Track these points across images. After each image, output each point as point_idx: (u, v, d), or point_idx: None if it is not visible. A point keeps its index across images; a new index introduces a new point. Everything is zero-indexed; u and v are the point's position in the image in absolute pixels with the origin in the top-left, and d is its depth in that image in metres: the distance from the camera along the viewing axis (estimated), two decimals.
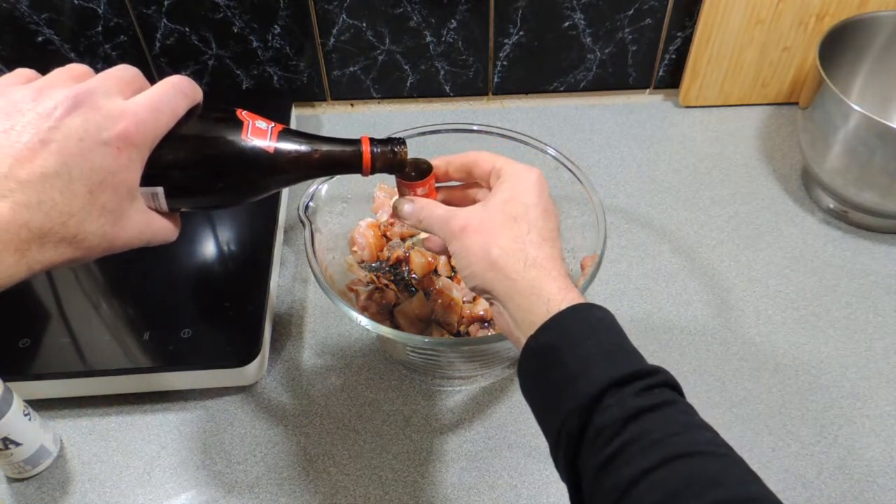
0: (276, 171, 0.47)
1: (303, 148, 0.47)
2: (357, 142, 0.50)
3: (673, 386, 0.42)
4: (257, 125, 0.46)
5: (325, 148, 0.48)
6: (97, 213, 0.38)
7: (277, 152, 0.46)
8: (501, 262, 0.47)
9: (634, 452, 0.38)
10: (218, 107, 0.46)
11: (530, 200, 0.50)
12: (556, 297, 0.45)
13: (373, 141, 0.50)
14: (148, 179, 0.42)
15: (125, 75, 0.42)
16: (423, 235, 0.74)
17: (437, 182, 0.56)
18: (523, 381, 0.46)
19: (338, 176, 0.71)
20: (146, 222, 0.42)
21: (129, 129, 0.39)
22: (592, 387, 0.41)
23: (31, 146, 0.36)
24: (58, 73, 0.43)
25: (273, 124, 0.47)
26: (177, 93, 0.42)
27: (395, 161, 0.50)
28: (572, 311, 0.44)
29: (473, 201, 0.55)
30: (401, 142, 0.51)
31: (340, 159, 0.49)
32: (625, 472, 0.38)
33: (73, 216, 0.37)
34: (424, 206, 0.53)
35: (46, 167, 0.36)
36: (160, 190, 0.43)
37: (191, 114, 0.43)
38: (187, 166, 0.43)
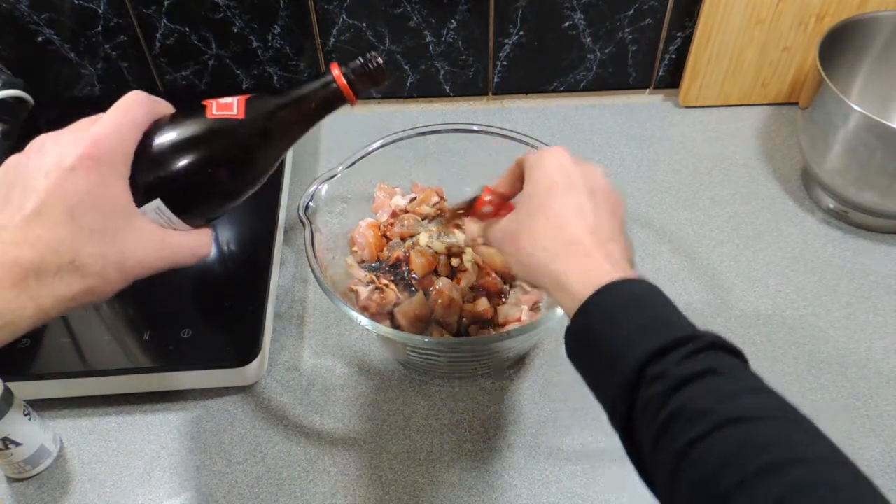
0: (257, 137, 0.45)
1: (274, 103, 0.45)
2: (328, 73, 0.46)
3: (722, 346, 0.42)
4: (221, 101, 0.45)
5: (297, 94, 0.46)
6: (87, 236, 0.39)
7: (249, 117, 0.44)
8: (532, 263, 0.48)
9: (681, 424, 0.38)
10: (184, 107, 0.45)
11: (548, 183, 0.49)
12: (580, 285, 0.44)
13: (343, 64, 0.46)
14: (142, 197, 0.42)
15: (93, 117, 0.43)
16: (422, 239, 0.74)
17: (509, 198, 0.57)
18: (576, 367, 0.46)
19: (338, 176, 0.71)
20: (159, 240, 0.43)
21: (90, 148, 0.39)
22: (629, 367, 0.40)
23: (5, 196, 0.39)
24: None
25: (239, 96, 0.45)
26: (130, 105, 0.43)
27: (374, 74, 0.47)
28: (601, 293, 0.43)
29: None
30: (370, 51, 0.47)
31: (319, 98, 0.46)
32: (673, 445, 0.37)
33: (61, 243, 0.38)
34: (477, 223, 0.57)
35: (25, 210, 0.38)
36: (159, 203, 0.43)
37: (161, 123, 0.44)
38: (168, 168, 0.43)
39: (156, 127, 0.43)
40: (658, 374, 0.39)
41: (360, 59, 0.47)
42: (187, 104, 0.45)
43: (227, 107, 0.44)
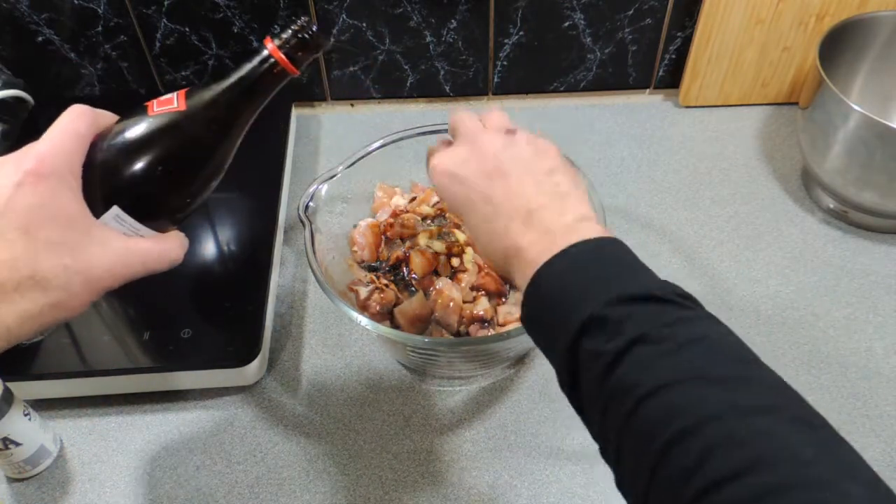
0: (203, 126, 0.43)
1: (215, 89, 0.44)
2: (262, 49, 0.45)
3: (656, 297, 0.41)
4: (161, 98, 0.44)
5: (236, 77, 0.45)
6: (44, 249, 0.39)
7: (191, 108, 0.43)
8: (487, 254, 0.48)
9: (615, 405, 0.37)
10: (127, 110, 0.45)
11: (464, 172, 0.49)
12: (524, 265, 0.44)
13: (275, 37, 0.45)
14: (99, 207, 0.41)
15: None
16: (422, 239, 0.74)
17: None
18: (529, 332, 0.46)
19: (338, 176, 0.71)
20: (123, 249, 0.42)
21: (35, 164, 0.40)
22: (570, 333, 0.40)
23: None
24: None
25: (179, 90, 0.45)
26: (71, 118, 0.43)
27: (310, 42, 0.45)
28: (547, 266, 0.43)
29: None
30: (302, 18, 0.46)
31: (261, 79, 0.45)
32: (613, 428, 0.37)
33: (17, 259, 0.38)
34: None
35: None
36: (117, 211, 0.42)
37: (106, 131, 0.44)
38: (119, 172, 0.42)
39: (101, 135, 0.43)
40: (595, 345, 0.39)
41: (293, 27, 0.45)
42: (130, 107, 0.45)
43: (168, 101, 0.43)
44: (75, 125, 0.43)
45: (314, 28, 0.45)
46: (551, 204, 0.46)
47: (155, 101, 0.44)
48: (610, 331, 0.38)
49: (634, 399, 0.36)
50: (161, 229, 0.45)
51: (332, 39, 0.49)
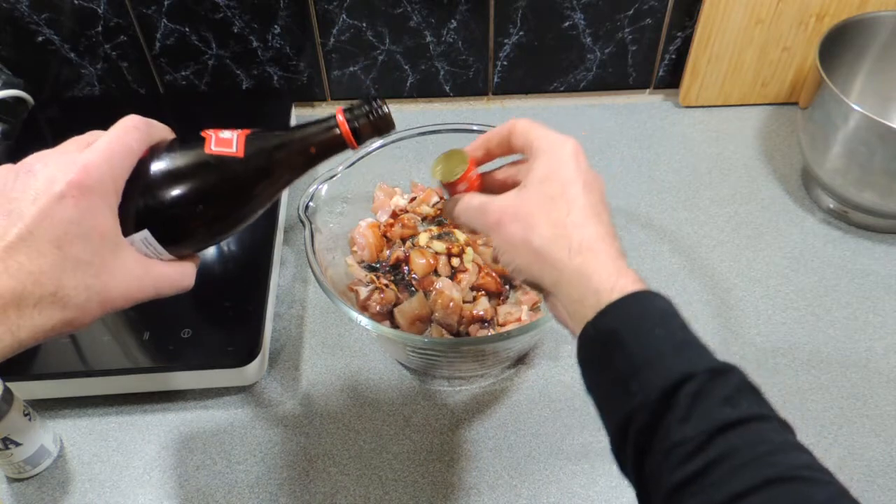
0: (254, 176, 0.44)
1: (275, 143, 0.44)
2: (331, 118, 0.46)
3: (752, 389, 0.38)
4: (220, 136, 0.43)
5: (299, 136, 0.45)
6: (72, 267, 0.38)
7: (249, 156, 0.43)
8: (545, 252, 0.44)
9: (724, 473, 0.34)
10: (182, 136, 0.44)
11: (568, 176, 0.45)
12: (607, 284, 0.41)
13: (347, 111, 0.46)
14: (130, 226, 0.41)
15: (85, 137, 0.41)
16: (422, 239, 0.74)
17: (482, 165, 0.52)
18: (583, 372, 0.43)
19: (338, 176, 0.71)
20: (143, 271, 0.41)
21: (80, 175, 0.38)
22: (663, 379, 0.37)
23: None
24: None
25: (239, 131, 0.44)
26: (126, 130, 0.41)
27: (378, 122, 0.46)
28: (632, 298, 0.41)
29: (515, 182, 0.50)
30: (375, 99, 0.46)
31: (321, 142, 0.46)
32: (712, 494, 0.34)
33: (44, 273, 0.37)
34: (461, 202, 0.50)
35: (7, 236, 0.36)
36: (147, 234, 0.42)
37: (155, 150, 0.42)
38: (161, 199, 0.42)
39: (151, 155, 0.42)
40: (693, 404, 0.36)
41: (366, 106, 0.46)
42: (186, 135, 0.44)
43: (227, 143, 0.43)
44: (130, 139, 0.41)
45: (385, 110, 0.46)
46: (616, 247, 0.45)
47: (213, 137, 0.43)
48: (714, 399, 0.37)
49: (745, 483, 0.34)
50: (179, 256, 0.44)
51: (395, 126, 0.49)
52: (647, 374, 0.38)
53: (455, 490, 0.63)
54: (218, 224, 0.44)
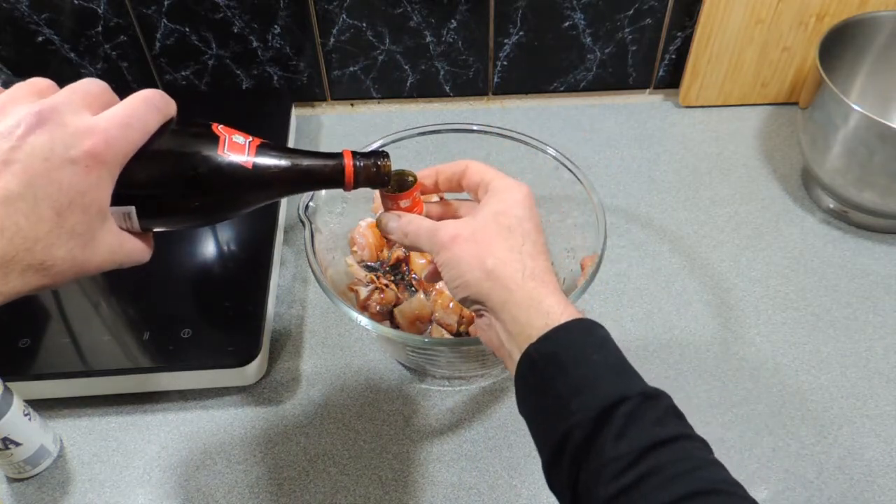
0: (255, 187, 0.45)
1: (282, 163, 0.45)
2: (339, 156, 0.48)
3: (677, 413, 0.42)
4: (234, 140, 0.44)
5: (305, 163, 0.46)
6: (66, 237, 0.36)
7: (256, 168, 0.44)
8: (498, 272, 0.46)
9: (654, 486, 0.37)
10: (193, 122, 0.44)
11: (522, 213, 0.49)
12: (556, 310, 0.44)
13: (355, 155, 0.48)
14: (119, 199, 0.39)
15: (92, 89, 0.39)
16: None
17: (424, 194, 0.55)
18: (520, 392, 0.46)
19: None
20: (118, 244, 0.40)
21: (99, 146, 0.36)
22: (601, 399, 0.40)
23: None
24: (18, 88, 0.39)
25: (251, 138, 0.45)
26: (149, 107, 0.39)
27: (378, 176, 0.49)
28: (576, 324, 0.44)
29: (455, 216, 0.54)
30: (384, 155, 0.49)
31: (322, 174, 0.47)
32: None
33: (38, 241, 0.35)
34: (411, 220, 0.52)
35: (10, 189, 0.34)
36: (132, 209, 0.41)
37: (164, 129, 0.41)
38: (161, 184, 0.41)
39: (160, 135, 0.41)
40: (627, 424, 0.39)
41: (373, 158, 0.49)
42: (195, 121, 0.44)
43: (239, 149, 0.43)
44: (148, 118, 0.39)
45: (388, 162, 0.49)
46: (549, 273, 0.48)
47: (227, 140, 0.43)
48: (647, 420, 0.40)
49: (668, 497, 0.37)
50: (146, 234, 0.44)
51: (393, 186, 0.52)
52: (586, 395, 0.41)
53: (455, 490, 0.63)
54: (202, 218, 0.45)
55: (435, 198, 0.57)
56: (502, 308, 0.46)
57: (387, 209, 0.54)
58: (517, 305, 0.45)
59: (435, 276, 0.55)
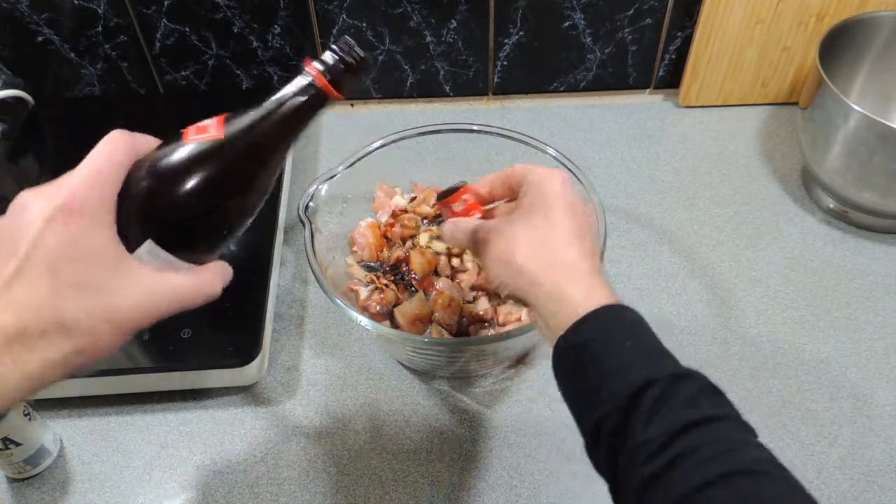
0: (243, 154, 0.41)
1: (254, 116, 0.41)
2: (305, 75, 0.42)
3: (714, 391, 0.42)
4: (199, 125, 0.41)
5: (276, 101, 0.42)
6: (70, 291, 0.36)
7: (230, 135, 0.41)
8: (526, 268, 0.48)
9: (686, 468, 0.37)
10: (164, 138, 0.42)
11: (552, 202, 0.49)
12: (583, 299, 0.45)
13: (316, 59, 0.42)
14: (133, 241, 0.39)
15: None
16: (422, 239, 0.74)
17: (486, 203, 0.56)
18: (558, 381, 0.47)
19: (338, 176, 0.71)
20: (156, 285, 0.40)
21: (66, 198, 0.37)
22: (629, 386, 0.41)
23: None
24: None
25: (219, 116, 0.42)
26: (109, 148, 0.40)
27: (355, 66, 0.42)
28: (605, 312, 0.44)
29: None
30: (344, 41, 0.42)
31: (303, 104, 0.42)
32: (677, 487, 0.37)
33: (42, 303, 0.36)
34: (457, 223, 0.55)
35: (5, 272, 0.35)
36: (151, 245, 0.40)
37: (142, 160, 0.41)
38: (153, 205, 0.40)
39: (138, 165, 0.40)
40: (654, 408, 0.40)
41: (337, 51, 0.42)
42: (167, 135, 0.42)
43: (205, 128, 0.41)
44: (112, 155, 0.39)
45: (357, 51, 0.42)
46: (595, 264, 0.48)
47: (192, 128, 0.41)
48: (678, 400, 0.40)
49: (704, 477, 0.37)
50: (199, 262, 0.43)
51: (374, 62, 0.47)
52: (616, 382, 0.42)
53: (455, 490, 0.63)
54: (218, 217, 0.42)
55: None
56: (536, 301, 0.48)
57: (445, 218, 0.57)
58: (547, 297, 0.47)
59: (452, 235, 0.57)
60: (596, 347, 0.43)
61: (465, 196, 0.55)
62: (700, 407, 0.40)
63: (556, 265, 0.47)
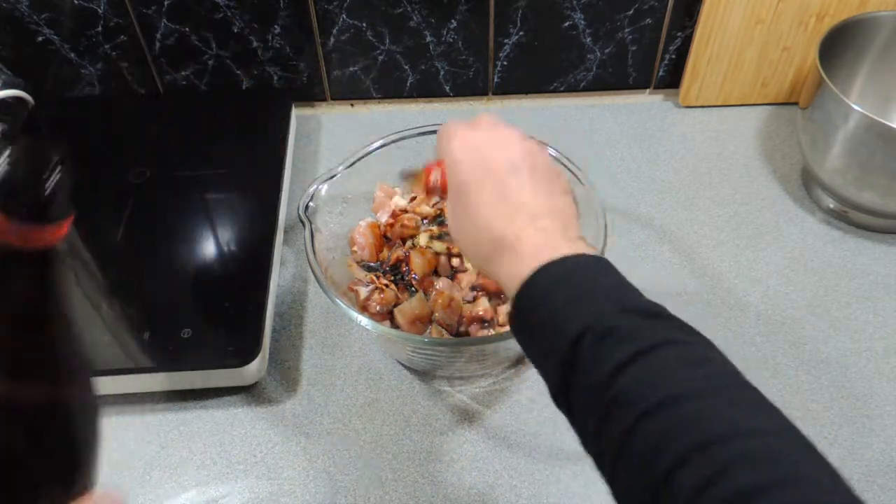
0: None
1: None
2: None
3: (664, 315, 0.40)
4: None
5: None
6: None
7: None
8: (467, 252, 0.49)
9: (619, 411, 0.36)
10: None
11: (460, 175, 0.48)
12: (513, 275, 0.44)
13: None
14: None
15: None
16: (422, 239, 0.74)
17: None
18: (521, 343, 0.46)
19: (338, 176, 0.72)
20: None
21: None
22: (567, 336, 0.40)
23: None
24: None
25: None
26: None
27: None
28: (537, 275, 0.43)
29: None
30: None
31: None
32: (612, 432, 0.37)
33: None
34: None
35: None
36: None
37: None
38: None
39: None
40: (595, 351, 0.38)
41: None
42: None
43: None
44: None
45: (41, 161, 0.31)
46: (557, 218, 0.46)
47: None
48: (613, 340, 0.38)
49: (636, 414, 0.36)
50: None
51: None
52: (560, 330, 0.41)
53: (455, 490, 0.63)
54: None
55: None
56: (487, 274, 0.48)
57: (419, 195, 0.58)
58: (491, 264, 0.47)
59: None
60: (535, 316, 0.42)
61: (433, 175, 0.54)
62: (633, 341, 0.38)
63: (489, 253, 0.46)
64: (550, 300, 0.42)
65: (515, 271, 0.44)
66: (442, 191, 0.54)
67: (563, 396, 0.41)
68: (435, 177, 0.54)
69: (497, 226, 0.46)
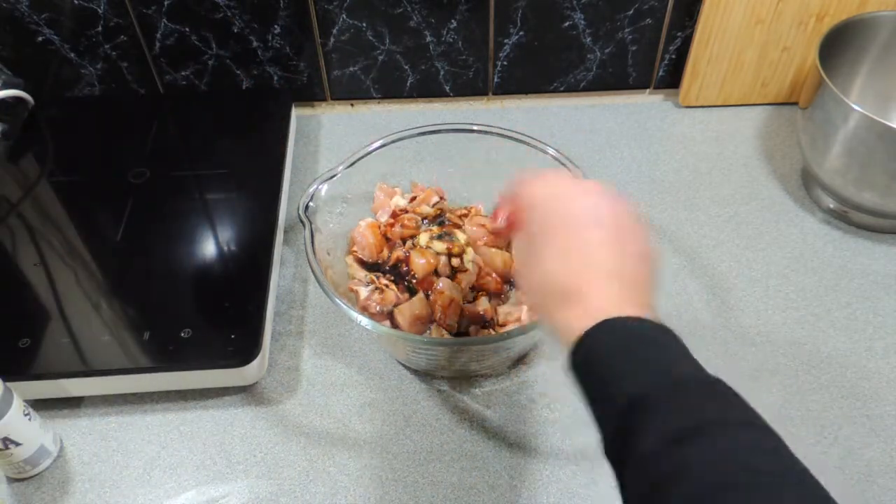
0: None
1: None
2: None
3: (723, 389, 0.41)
4: None
5: None
6: None
7: None
8: (528, 293, 0.49)
9: (675, 490, 0.36)
10: None
11: (531, 209, 0.49)
12: (573, 325, 0.44)
13: None
14: None
15: None
16: (422, 239, 0.74)
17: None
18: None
19: (338, 176, 0.72)
20: None
21: None
22: (621, 399, 0.40)
23: None
24: None
25: None
26: None
27: None
28: (602, 327, 0.43)
29: None
30: None
31: None
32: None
33: None
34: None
35: None
36: None
37: None
38: None
39: None
40: (649, 419, 0.38)
41: None
42: None
43: None
44: None
45: None
46: (632, 282, 0.46)
47: None
48: (668, 412, 0.39)
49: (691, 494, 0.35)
50: None
51: None
52: (619, 389, 0.41)
53: (455, 490, 0.63)
54: None
55: None
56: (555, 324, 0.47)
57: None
58: (553, 309, 0.46)
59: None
60: (599, 362, 0.43)
61: (499, 220, 0.54)
62: (691, 412, 0.39)
63: (546, 299, 0.47)
64: (607, 362, 0.43)
65: (576, 324, 0.44)
66: (508, 228, 0.54)
67: (614, 454, 0.41)
68: (502, 216, 0.54)
69: (568, 278, 0.46)
